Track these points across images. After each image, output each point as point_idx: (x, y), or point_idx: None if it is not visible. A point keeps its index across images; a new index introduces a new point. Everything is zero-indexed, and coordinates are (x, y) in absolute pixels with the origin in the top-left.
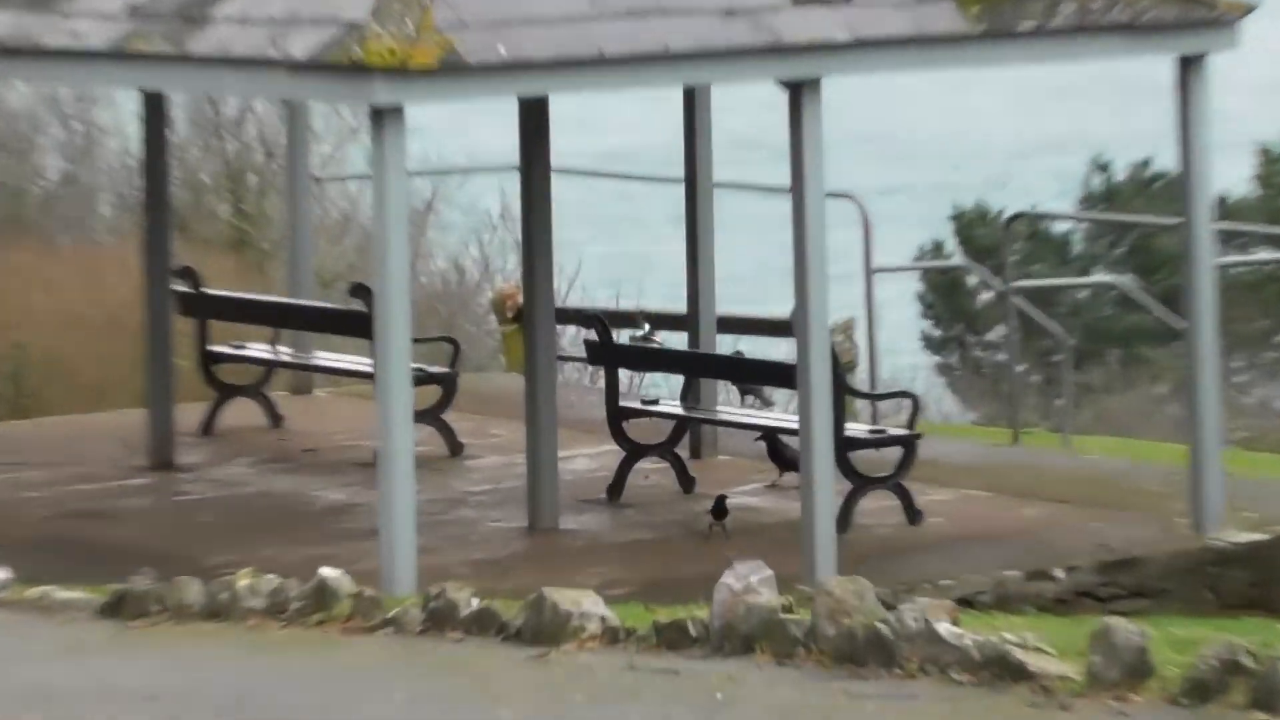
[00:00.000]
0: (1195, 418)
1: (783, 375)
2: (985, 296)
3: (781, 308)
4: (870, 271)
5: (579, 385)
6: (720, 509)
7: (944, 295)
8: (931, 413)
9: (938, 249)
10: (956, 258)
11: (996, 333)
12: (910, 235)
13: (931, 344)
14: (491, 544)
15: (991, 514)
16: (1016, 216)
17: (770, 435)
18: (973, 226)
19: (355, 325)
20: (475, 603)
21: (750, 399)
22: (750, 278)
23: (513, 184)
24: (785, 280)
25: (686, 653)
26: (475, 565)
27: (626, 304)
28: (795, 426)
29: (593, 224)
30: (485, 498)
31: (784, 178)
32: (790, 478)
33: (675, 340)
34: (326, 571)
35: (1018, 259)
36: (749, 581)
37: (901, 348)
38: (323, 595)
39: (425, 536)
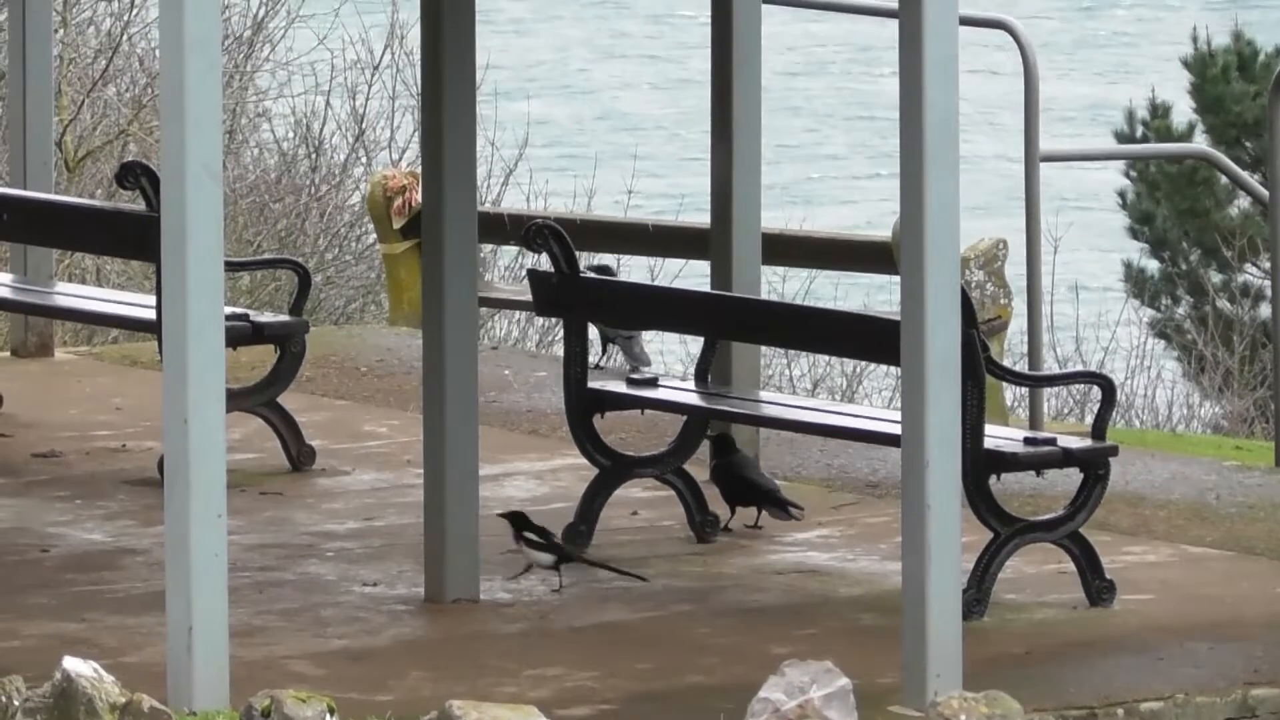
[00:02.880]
0: None
1: (876, 338)
2: (1238, 208)
3: (868, 218)
4: (1034, 158)
5: (517, 351)
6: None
7: (1172, 199)
8: (1139, 409)
9: (1158, 121)
10: (1198, 137)
11: (1259, 271)
12: (1108, 92)
13: (1143, 287)
14: (361, 625)
15: (1234, 589)
16: None
17: (722, 443)
18: (1218, 82)
19: (125, 235)
20: None
21: (621, 348)
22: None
23: None
24: (869, 181)
25: None
26: (332, 661)
27: (599, 208)
28: (891, 429)
29: (549, 74)
30: (352, 544)
31: None
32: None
33: (688, 273)
34: (74, 665)
35: None
36: (809, 697)
37: (1092, 293)
38: (67, 706)
39: (246, 609)
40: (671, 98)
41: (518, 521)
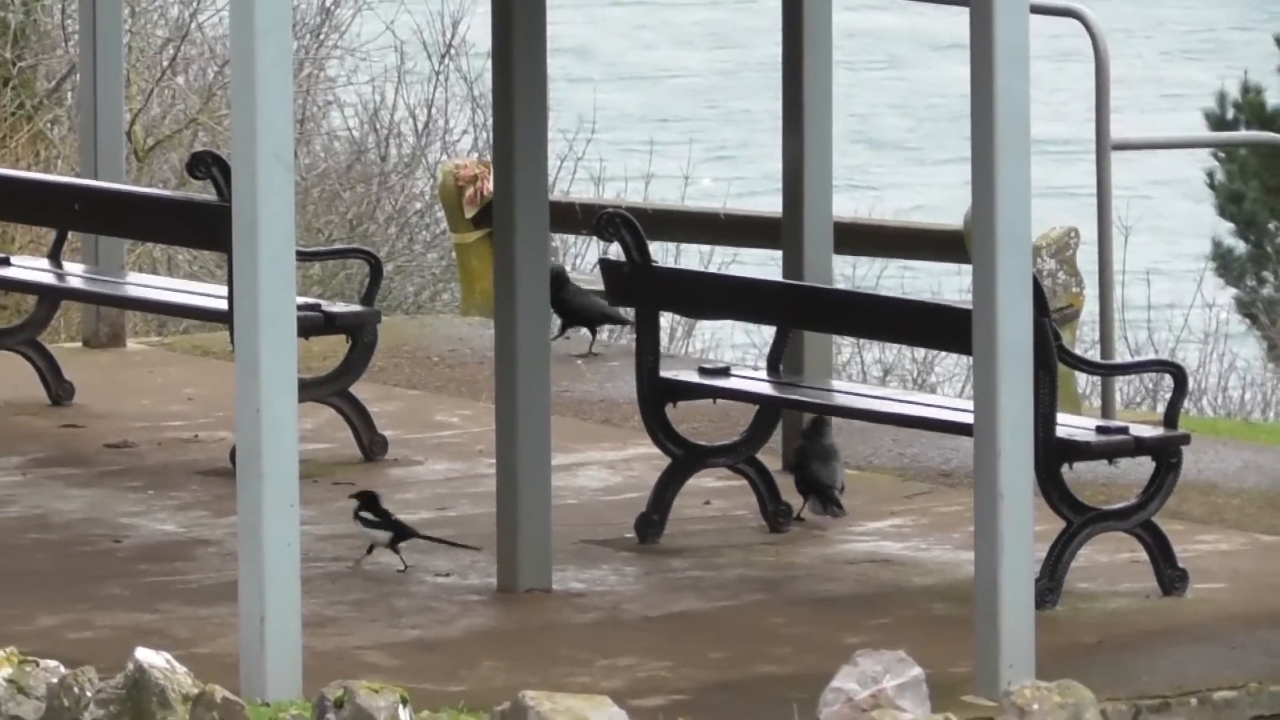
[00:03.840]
0: None
1: (948, 327)
2: None
3: (935, 207)
4: (1106, 146)
5: (591, 340)
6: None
7: (1260, 176)
8: (1212, 396)
9: (1250, 103)
10: None
11: None
12: (1188, 72)
13: (1227, 266)
14: (434, 615)
15: None
16: None
17: (814, 433)
18: None
19: (196, 225)
20: (405, 715)
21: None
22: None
23: None
24: (931, 165)
25: None
26: (405, 651)
27: (667, 195)
28: (964, 418)
29: (613, 61)
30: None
31: None
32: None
33: (754, 265)
34: (146, 656)
35: None
36: (882, 686)
37: (1164, 279)
38: (140, 697)
39: (319, 599)
40: (733, 83)
41: (362, 501)
